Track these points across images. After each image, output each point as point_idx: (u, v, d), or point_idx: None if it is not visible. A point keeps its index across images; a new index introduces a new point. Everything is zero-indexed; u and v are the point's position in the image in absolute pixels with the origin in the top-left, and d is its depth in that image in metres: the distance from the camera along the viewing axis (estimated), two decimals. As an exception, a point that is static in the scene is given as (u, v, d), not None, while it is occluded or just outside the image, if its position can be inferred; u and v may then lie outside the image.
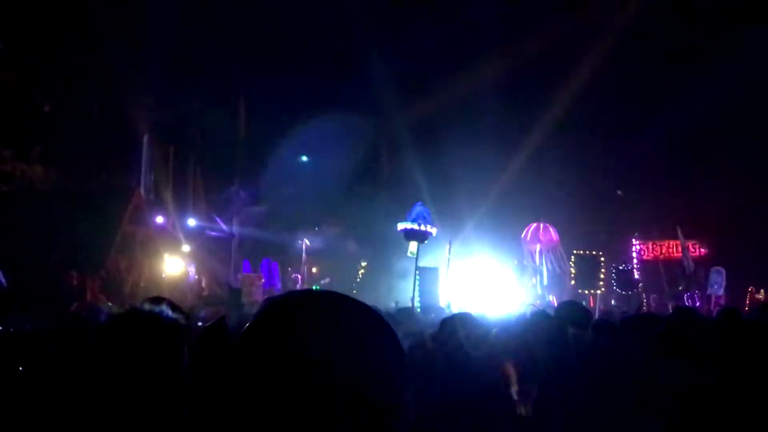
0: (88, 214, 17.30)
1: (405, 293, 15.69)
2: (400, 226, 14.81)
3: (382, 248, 23.79)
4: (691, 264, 20.14)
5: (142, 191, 20.83)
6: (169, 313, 2.03)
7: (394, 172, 27.51)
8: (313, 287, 19.30)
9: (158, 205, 22.11)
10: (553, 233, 21.11)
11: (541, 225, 21.19)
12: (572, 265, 20.42)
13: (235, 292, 16.65)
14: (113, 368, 1.87)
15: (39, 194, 19.28)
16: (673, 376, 2.65)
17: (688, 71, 23.05)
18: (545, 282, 20.60)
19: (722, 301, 16.94)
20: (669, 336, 2.89)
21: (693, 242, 23.07)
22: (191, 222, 23.59)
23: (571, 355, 3.44)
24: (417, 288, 14.86)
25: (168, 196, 22.79)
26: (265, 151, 26.86)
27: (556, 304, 17.41)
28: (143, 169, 21.73)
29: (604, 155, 24.27)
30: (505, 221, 23.32)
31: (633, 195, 24.39)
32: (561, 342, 3.68)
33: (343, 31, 24.94)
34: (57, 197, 18.57)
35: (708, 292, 18.15)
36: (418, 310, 12.47)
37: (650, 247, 24.45)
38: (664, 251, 23.96)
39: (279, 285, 22.97)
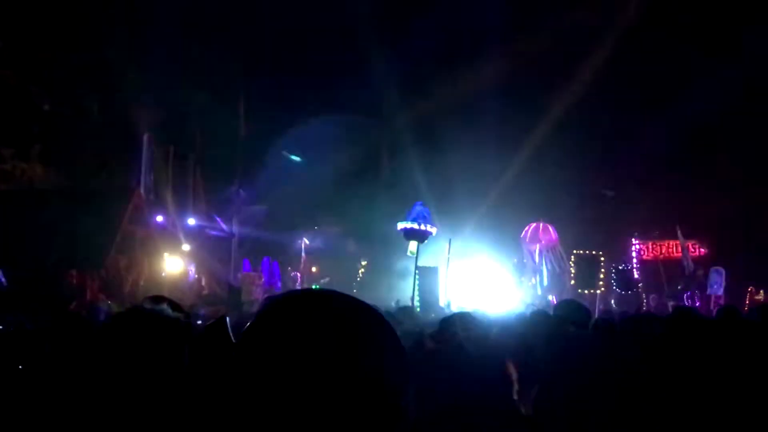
0: (88, 214, 17.31)
1: (405, 293, 15.71)
2: (400, 225, 14.81)
3: (382, 248, 23.79)
4: (691, 264, 20.14)
5: (142, 191, 20.82)
6: (170, 312, 2.03)
7: (395, 171, 27.50)
8: (313, 286, 19.33)
9: (158, 205, 22.11)
10: (552, 233, 21.12)
11: (541, 225, 21.21)
12: (572, 264, 20.42)
13: (235, 292, 16.68)
14: (114, 367, 1.87)
15: (39, 193, 19.28)
16: (672, 375, 2.66)
17: (689, 71, 23.04)
18: (545, 282, 20.60)
19: (722, 301, 16.92)
20: (669, 335, 2.89)
21: (693, 242, 23.07)
22: (191, 221, 23.59)
23: (571, 355, 3.44)
24: (417, 287, 14.86)
25: (168, 195, 22.77)
26: (266, 151, 26.86)
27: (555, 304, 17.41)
28: (143, 168, 21.72)
29: (605, 155, 24.26)
30: (505, 221, 23.33)
31: (633, 195, 24.37)
32: (561, 341, 3.69)
33: (343, 30, 24.93)
34: (57, 196, 18.57)
35: (708, 292, 18.14)
36: (418, 309, 12.49)
37: (650, 247, 24.44)
38: (664, 251, 23.95)
39: (280, 284, 22.99)
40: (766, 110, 22.00)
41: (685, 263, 20.12)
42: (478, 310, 10.40)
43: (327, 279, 24.74)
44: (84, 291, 15.75)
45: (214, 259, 23.97)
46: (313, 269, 26.74)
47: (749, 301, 17.86)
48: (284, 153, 26.74)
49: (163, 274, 20.24)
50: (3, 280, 12.11)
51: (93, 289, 16.44)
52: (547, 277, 20.76)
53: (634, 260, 23.38)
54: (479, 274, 21.62)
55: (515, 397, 3.12)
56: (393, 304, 12.41)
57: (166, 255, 20.65)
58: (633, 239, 24.16)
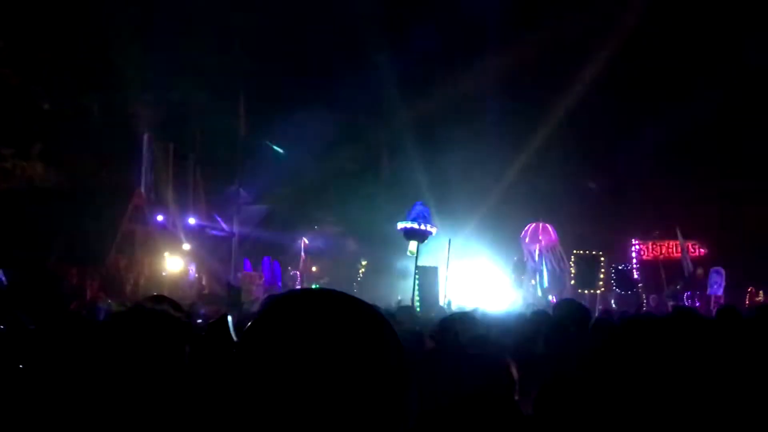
0: (88, 213, 17.33)
1: (406, 293, 15.70)
2: (400, 225, 14.78)
3: (383, 247, 23.79)
4: (690, 265, 20.14)
5: (142, 190, 20.84)
6: (171, 311, 2.04)
7: (395, 171, 27.51)
8: (313, 286, 19.30)
9: (158, 204, 22.12)
10: (552, 233, 21.11)
11: (540, 225, 21.19)
12: (572, 264, 20.42)
13: (235, 291, 16.67)
14: (114, 366, 1.88)
15: (39, 192, 19.29)
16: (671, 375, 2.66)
17: (689, 71, 23.06)
18: (545, 283, 20.58)
19: (722, 302, 16.92)
20: (668, 335, 2.89)
21: (693, 242, 23.08)
22: (191, 221, 23.60)
23: (571, 355, 3.45)
24: (417, 287, 14.84)
25: (168, 194, 22.78)
26: (266, 150, 26.86)
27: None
28: (143, 167, 21.73)
29: (605, 155, 24.27)
30: (505, 221, 23.34)
31: (633, 195, 24.38)
32: (561, 341, 3.69)
33: (343, 30, 24.94)
34: (57, 195, 18.59)
35: (708, 293, 18.14)
36: (418, 309, 12.48)
37: (650, 247, 24.46)
38: (663, 251, 23.96)
39: (280, 284, 23.00)
40: (766, 110, 22.00)
41: (685, 264, 20.12)
42: (479, 308, 10.40)
43: (327, 279, 24.75)
44: (84, 290, 15.76)
45: (214, 258, 23.99)
46: (313, 269, 26.76)
47: (749, 301, 17.85)
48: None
49: (164, 274, 20.26)
50: (3, 279, 12.10)
51: (93, 288, 16.46)
52: (548, 277, 20.75)
53: (634, 260, 23.39)
54: (479, 274, 21.64)
55: (516, 397, 3.13)
56: (394, 304, 12.40)
57: (166, 254, 20.67)
58: (633, 239, 24.17)
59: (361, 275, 26.66)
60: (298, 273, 24.68)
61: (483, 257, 22.53)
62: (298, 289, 1.15)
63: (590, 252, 20.48)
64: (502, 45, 24.71)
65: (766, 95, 21.59)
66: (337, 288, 1.17)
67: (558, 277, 20.75)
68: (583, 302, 7.09)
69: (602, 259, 20.25)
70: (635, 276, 21.47)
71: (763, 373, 2.98)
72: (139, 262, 19.35)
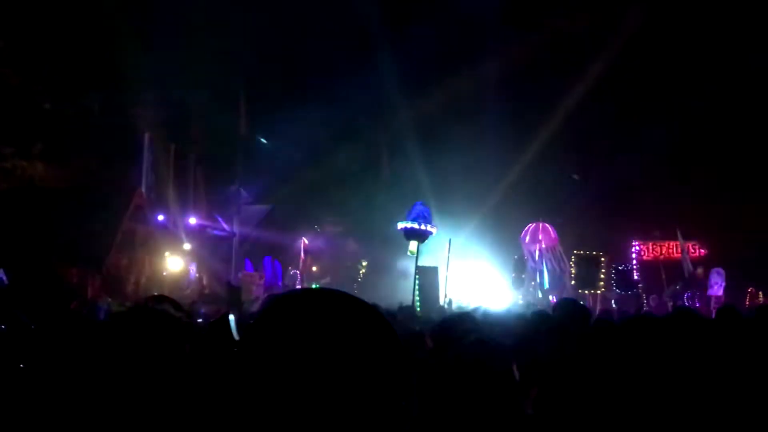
0: (89, 212, 17.33)
1: (407, 293, 15.69)
2: (400, 225, 14.79)
3: (383, 247, 23.80)
4: (690, 266, 20.14)
5: (143, 189, 20.84)
6: (171, 311, 2.04)
7: (395, 171, 27.50)
8: (313, 285, 19.30)
9: (159, 204, 22.12)
10: (552, 233, 21.10)
11: (540, 225, 21.19)
12: (572, 265, 20.42)
13: (234, 291, 16.66)
14: (115, 365, 1.88)
15: (39, 192, 19.29)
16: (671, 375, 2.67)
17: (689, 72, 23.05)
18: (546, 284, 20.56)
19: (722, 302, 16.91)
20: (668, 336, 2.90)
21: (693, 243, 23.08)
22: (192, 220, 23.61)
23: (571, 355, 3.45)
24: (417, 287, 14.84)
25: (169, 194, 22.79)
26: (267, 150, 26.86)
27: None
28: (144, 167, 21.73)
29: (605, 155, 24.26)
30: (506, 221, 23.36)
31: (634, 195, 24.38)
32: (561, 341, 3.69)
33: (344, 29, 24.93)
34: (58, 195, 18.59)
35: (708, 293, 18.14)
36: (418, 309, 12.48)
37: (650, 247, 24.46)
38: (664, 252, 23.96)
39: (280, 283, 22.99)
40: (766, 111, 22.00)
41: (685, 265, 20.12)
42: (480, 307, 10.39)
43: (327, 279, 24.74)
44: (85, 289, 15.77)
45: (214, 258, 23.99)
46: (314, 269, 26.76)
47: (749, 302, 17.84)
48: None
49: (164, 273, 20.27)
50: (4, 278, 12.12)
51: (94, 287, 16.47)
52: (548, 278, 20.75)
53: (634, 261, 23.39)
54: (479, 274, 21.65)
55: (516, 397, 3.13)
56: (395, 305, 12.38)
57: (167, 254, 20.67)
58: (633, 240, 24.18)
59: (361, 275, 26.65)
60: (298, 273, 24.68)
61: (483, 257, 22.54)
62: (298, 289, 1.15)
63: (590, 252, 20.49)
64: (503, 45, 24.71)
65: (766, 95, 21.59)
66: (338, 288, 1.17)
67: (558, 277, 20.75)
68: (583, 302, 7.09)
69: (602, 259, 20.26)
70: (635, 276, 21.48)
71: (763, 373, 2.98)
72: (139, 262, 19.36)
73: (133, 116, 22.13)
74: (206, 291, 20.28)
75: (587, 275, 19.89)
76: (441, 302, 15.12)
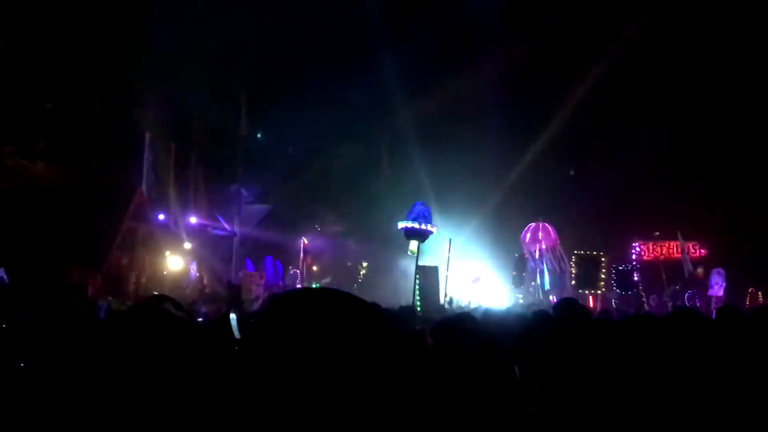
0: (90, 211, 17.34)
1: (408, 293, 15.68)
2: (401, 225, 14.77)
3: (384, 247, 23.80)
4: (690, 266, 20.13)
5: (143, 189, 20.86)
6: (172, 310, 2.04)
7: (396, 171, 27.52)
8: (313, 285, 19.27)
9: (160, 203, 22.14)
10: (552, 233, 21.09)
11: (540, 225, 21.17)
12: (572, 265, 20.42)
13: (234, 290, 16.66)
14: (116, 364, 1.89)
15: (41, 191, 19.31)
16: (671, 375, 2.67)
17: (690, 73, 23.04)
18: (547, 285, 20.55)
19: (722, 303, 16.90)
20: (668, 336, 2.90)
21: (693, 243, 23.07)
22: (193, 220, 23.62)
23: (571, 355, 3.45)
24: (417, 287, 14.83)
25: (169, 193, 22.81)
26: (267, 150, 26.88)
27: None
28: (145, 166, 21.75)
29: (606, 155, 24.26)
30: (506, 220, 23.37)
31: (634, 196, 24.38)
32: (561, 341, 3.70)
33: (346, 30, 24.93)
34: (59, 194, 18.60)
35: (708, 293, 18.13)
36: (418, 308, 12.47)
37: (651, 247, 24.45)
38: (664, 252, 23.96)
39: (281, 283, 22.99)
40: (767, 112, 22.00)
41: (685, 266, 20.11)
42: (481, 306, 10.37)
43: (328, 279, 24.74)
44: (86, 288, 15.78)
45: (215, 257, 24.00)
46: (314, 268, 26.79)
47: (750, 302, 17.83)
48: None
49: (165, 272, 20.28)
50: (5, 277, 12.13)
51: (95, 286, 16.49)
52: (548, 278, 20.73)
53: (635, 261, 23.38)
54: (479, 273, 21.67)
55: (516, 397, 3.13)
56: (396, 305, 12.38)
57: (167, 253, 20.69)
58: (634, 240, 24.18)
59: (362, 276, 26.66)
60: (298, 272, 24.70)
61: (484, 257, 22.55)
62: (298, 288, 1.16)
63: (591, 252, 20.48)
64: (505, 46, 24.72)
65: (766, 95, 21.60)
66: (338, 287, 1.18)
67: (558, 277, 20.74)
68: (583, 302, 7.10)
69: (603, 259, 20.26)
70: (635, 276, 21.46)
71: (763, 373, 2.98)
72: (140, 261, 19.37)
73: (134, 116, 22.14)
74: (207, 290, 20.29)
75: (587, 275, 19.89)
76: (441, 301, 15.11)
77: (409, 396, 1.02)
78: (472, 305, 16.57)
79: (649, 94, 23.99)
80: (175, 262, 20.80)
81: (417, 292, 14.65)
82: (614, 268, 20.58)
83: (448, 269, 16.37)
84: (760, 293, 18.70)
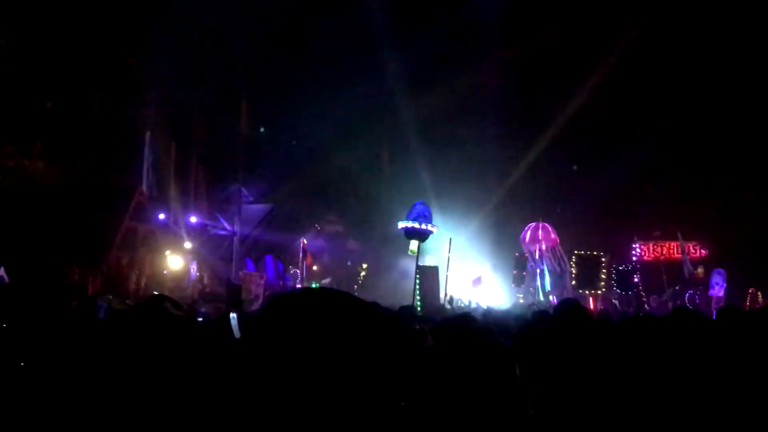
0: (90, 211, 17.34)
1: (408, 293, 15.69)
2: (401, 224, 14.79)
3: (385, 247, 23.81)
4: (690, 267, 20.13)
5: (144, 188, 20.86)
6: (172, 309, 2.05)
7: (397, 170, 27.52)
8: (313, 285, 19.28)
9: (160, 202, 22.15)
10: (552, 233, 21.08)
11: (540, 225, 21.16)
12: (573, 265, 20.41)
13: (235, 289, 16.68)
14: (117, 363, 1.89)
15: (41, 190, 19.32)
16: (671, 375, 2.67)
17: (691, 73, 23.05)
18: (547, 286, 20.55)
19: (722, 303, 16.89)
20: (668, 336, 2.90)
21: (693, 243, 23.07)
22: (193, 219, 23.63)
23: (571, 355, 3.45)
24: (417, 287, 14.85)
25: (170, 193, 22.82)
26: (268, 149, 26.89)
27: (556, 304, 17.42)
28: (145, 165, 21.76)
29: (607, 155, 24.27)
30: (507, 220, 23.38)
31: (635, 196, 24.40)
32: (561, 341, 3.70)
33: (347, 28, 24.91)
34: (59, 193, 18.61)
35: (709, 293, 18.13)
36: (419, 308, 12.48)
37: (651, 247, 24.45)
38: (665, 252, 23.96)
39: (281, 282, 22.99)
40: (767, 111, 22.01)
41: (685, 267, 20.11)
42: (480, 305, 10.39)
43: (328, 279, 24.74)
44: (86, 288, 15.78)
45: (215, 257, 24.01)
46: (315, 268, 26.79)
47: (750, 303, 17.81)
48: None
49: (165, 272, 20.28)
50: (5, 276, 12.14)
51: (95, 285, 16.49)
52: (549, 279, 20.73)
53: (635, 261, 23.37)
54: (480, 272, 21.68)
55: (517, 396, 3.13)
56: (397, 305, 12.39)
57: (167, 252, 20.68)
58: (634, 240, 24.18)
59: (362, 276, 26.66)
60: (299, 272, 24.70)
61: (484, 256, 22.56)
62: (298, 288, 1.15)
63: (591, 252, 20.48)
64: (506, 47, 24.73)
65: (767, 95, 21.60)
66: (338, 287, 1.18)
67: (558, 278, 20.74)
68: (583, 303, 7.09)
69: (603, 259, 20.26)
70: (636, 276, 21.46)
71: (763, 373, 2.98)
72: (140, 260, 19.37)
73: (134, 115, 22.14)
74: (207, 290, 20.30)
75: (588, 275, 19.89)
76: (441, 301, 15.13)
77: (410, 395, 1.02)
78: (473, 305, 16.59)
79: (649, 94, 23.99)
80: (176, 262, 20.80)
81: (417, 292, 14.66)
82: (614, 269, 20.58)
83: (448, 269, 16.38)
84: (760, 293, 18.67)
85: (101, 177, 21.23)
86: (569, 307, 4.96)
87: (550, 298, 19.44)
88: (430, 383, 2.74)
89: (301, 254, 21.49)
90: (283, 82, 26.22)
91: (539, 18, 24.89)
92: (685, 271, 20.03)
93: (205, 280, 22.20)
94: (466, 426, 2.66)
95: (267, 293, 17.86)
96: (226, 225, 25.08)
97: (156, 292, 14.62)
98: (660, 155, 23.28)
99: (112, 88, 22.07)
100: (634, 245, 24.02)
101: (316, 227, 28.12)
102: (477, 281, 21.05)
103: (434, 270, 16.72)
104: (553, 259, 20.82)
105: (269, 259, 23.86)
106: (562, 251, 20.96)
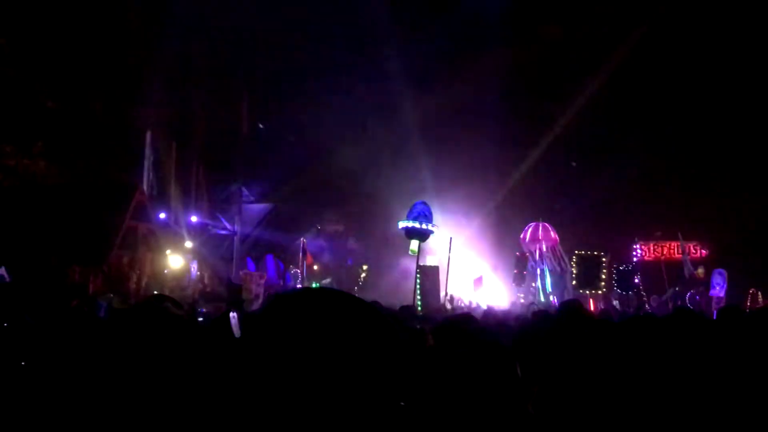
0: (91, 210, 17.35)
1: (409, 293, 15.71)
2: (401, 224, 14.80)
3: (385, 247, 23.81)
4: (691, 267, 20.13)
5: (144, 187, 20.87)
6: (172, 309, 2.05)
7: (398, 170, 27.50)
8: (313, 285, 19.27)
9: (161, 202, 22.16)
10: (552, 232, 21.08)
11: (540, 225, 21.16)
12: (573, 265, 20.41)
13: (235, 289, 16.70)
14: (116, 363, 1.89)
15: (41, 190, 19.32)
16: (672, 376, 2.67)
17: (691, 73, 23.05)
18: (548, 287, 20.55)
19: (723, 303, 16.88)
20: (668, 336, 2.90)
21: (694, 244, 23.06)
22: (194, 218, 23.65)
23: (572, 355, 3.45)
24: (418, 287, 14.86)
25: (170, 192, 22.83)
26: (269, 149, 26.89)
27: (557, 304, 17.45)
28: (146, 165, 21.77)
29: (608, 155, 24.27)
30: (507, 220, 23.38)
31: (635, 196, 24.38)
32: (562, 341, 3.70)
33: (348, 27, 24.91)
34: (60, 193, 18.62)
35: (710, 294, 18.12)
36: (419, 308, 12.49)
37: (652, 247, 24.44)
38: (665, 252, 23.96)
39: (282, 282, 22.99)
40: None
41: (686, 267, 20.11)
42: (480, 305, 10.40)
43: (329, 279, 24.74)
44: (86, 287, 15.80)
45: (216, 256, 24.02)
46: (315, 268, 26.80)
47: (750, 303, 17.81)
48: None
49: (166, 271, 20.29)
50: (6, 276, 12.15)
51: (96, 285, 16.50)
52: (550, 279, 20.73)
53: (636, 261, 23.37)
54: (480, 272, 21.68)
55: (517, 396, 3.13)
56: (397, 305, 12.39)
57: (168, 252, 20.68)
58: (635, 240, 24.18)
59: (362, 278, 26.65)
60: (299, 272, 24.71)
61: (485, 256, 22.56)
62: (297, 288, 1.16)
63: (592, 252, 20.49)
64: (507, 47, 24.72)
65: (767, 96, 21.60)
66: (339, 287, 1.18)
67: (559, 277, 20.75)
68: (584, 302, 7.11)
69: (604, 259, 20.26)
70: (636, 277, 21.46)
71: (763, 374, 2.98)
72: (141, 260, 19.37)
73: (135, 115, 22.15)
74: (207, 289, 20.30)
75: (588, 275, 19.90)
76: (442, 301, 15.14)
77: (410, 395, 1.02)
78: (473, 305, 16.60)
79: (650, 95, 23.99)
80: (176, 261, 20.80)
81: (418, 292, 14.67)
82: (615, 268, 20.58)
83: (448, 268, 16.40)
84: (760, 294, 18.66)
85: (102, 176, 21.24)
86: (570, 307, 4.97)
87: (551, 298, 19.44)
88: (431, 383, 2.74)
89: (300, 254, 21.50)
90: (284, 81, 26.22)
91: (541, 18, 24.89)
92: (686, 272, 20.02)
93: (206, 280, 22.21)
94: (466, 426, 2.66)
95: (267, 293, 17.87)
96: (226, 224, 25.10)
97: (156, 292, 14.65)
98: (661, 155, 23.27)
99: (113, 87, 22.08)
100: (634, 245, 24.01)
101: (317, 227, 28.12)
102: (478, 282, 21.05)
103: (435, 270, 16.73)
104: (553, 259, 20.82)
105: (270, 259, 23.86)
106: (562, 251, 20.96)
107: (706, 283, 18.69)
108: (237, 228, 24.82)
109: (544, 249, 20.82)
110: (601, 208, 23.76)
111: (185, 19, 22.49)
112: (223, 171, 26.15)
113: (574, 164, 25.63)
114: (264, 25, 24.44)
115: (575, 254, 20.58)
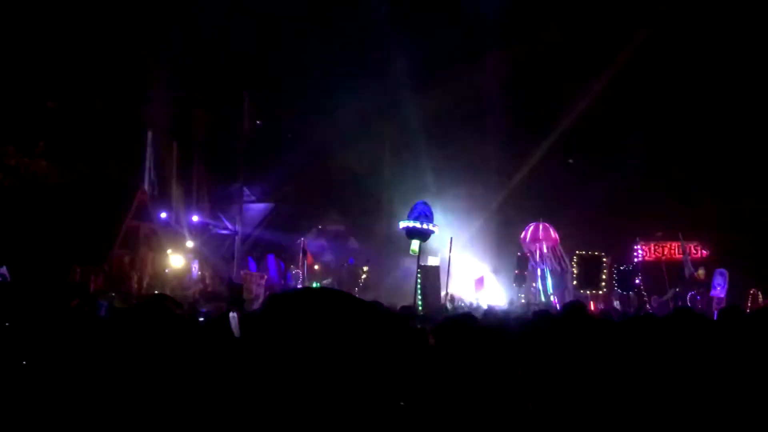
0: (92, 210, 17.37)
1: (409, 293, 15.70)
2: (402, 224, 14.80)
3: (386, 247, 23.81)
4: (691, 268, 20.12)
5: (145, 187, 20.88)
6: (173, 308, 2.05)
7: (399, 170, 27.51)
8: (314, 284, 19.29)
9: (162, 201, 22.17)
10: (552, 233, 21.07)
11: (540, 225, 21.15)
12: (574, 265, 20.40)
13: (236, 289, 16.68)
14: (118, 362, 1.89)
15: (42, 189, 19.34)
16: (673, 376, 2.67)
17: (691, 73, 23.04)
18: (549, 287, 20.55)
19: (723, 304, 16.87)
20: (669, 336, 2.90)
21: (695, 244, 23.05)
22: (195, 218, 23.65)
23: (572, 355, 3.46)
24: (419, 287, 14.85)
25: (172, 192, 22.84)
26: (270, 148, 26.90)
27: (557, 304, 17.47)
28: (147, 164, 21.78)
29: (608, 156, 24.26)
30: (508, 220, 23.38)
31: (636, 196, 24.37)
32: (562, 341, 3.70)
33: (349, 27, 24.91)
34: (60, 192, 18.64)
35: (710, 294, 18.11)
36: (420, 308, 12.49)
37: (652, 248, 24.42)
38: (666, 252, 23.93)
39: (283, 282, 23.00)
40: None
41: (686, 268, 20.10)
42: (480, 305, 10.41)
43: (329, 279, 24.75)
44: (87, 286, 15.81)
45: (217, 256, 24.02)
46: (316, 267, 26.80)
47: (751, 303, 17.79)
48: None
49: (167, 271, 20.30)
50: (7, 275, 12.16)
51: (97, 284, 16.52)
52: (550, 280, 20.73)
53: (636, 261, 23.36)
54: (481, 272, 21.69)
55: (518, 396, 3.14)
56: (398, 305, 12.40)
57: (169, 251, 20.70)
58: (636, 240, 24.16)
59: (364, 275, 26.65)
60: (300, 272, 24.70)
61: (486, 256, 22.56)
62: (298, 288, 1.16)
63: (592, 252, 20.48)
64: (509, 47, 24.72)
65: (767, 96, 21.61)
66: (340, 288, 1.18)
67: (560, 277, 20.74)
68: (584, 303, 7.11)
69: (604, 259, 20.25)
70: (637, 277, 21.45)
71: (764, 374, 2.98)
72: (142, 259, 19.39)
73: (136, 114, 22.17)
74: (209, 289, 20.31)
75: (589, 276, 19.89)
76: (443, 301, 15.14)
77: (411, 395, 1.03)
78: (474, 305, 16.61)
79: (650, 95, 23.98)
80: (177, 261, 20.82)
81: (418, 292, 14.67)
82: (616, 269, 20.57)
83: (449, 268, 16.40)
84: (761, 294, 18.65)
85: (103, 176, 21.25)
86: (574, 308, 4.98)
87: (552, 298, 19.44)
88: (432, 382, 2.74)
89: (301, 254, 21.52)
90: (285, 81, 26.22)
91: (543, 19, 24.88)
92: (686, 272, 20.01)
93: (207, 280, 22.21)
94: (467, 424, 2.66)
95: (268, 293, 17.88)
96: (227, 224, 25.10)
97: (157, 292, 14.65)
98: (662, 156, 23.26)
99: (114, 87, 22.09)
100: (635, 246, 23.99)
101: (318, 227, 28.13)
102: (480, 283, 21.04)
103: (436, 270, 16.72)
104: (553, 259, 20.81)
105: (271, 259, 23.87)
106: (562, 251, 20.95)
107: (707, 284, 18.67)
108: (238, 228, 24.82)
109: (545, 249, 20.82)
110: (602, 209, 23.73)
111: (186, 19, 22.50)
112: (225, 170, 26.15)
113: (570, 161, 25.65)
114: (265, 24, 24.46)
115: (576, 254, 20.57)
